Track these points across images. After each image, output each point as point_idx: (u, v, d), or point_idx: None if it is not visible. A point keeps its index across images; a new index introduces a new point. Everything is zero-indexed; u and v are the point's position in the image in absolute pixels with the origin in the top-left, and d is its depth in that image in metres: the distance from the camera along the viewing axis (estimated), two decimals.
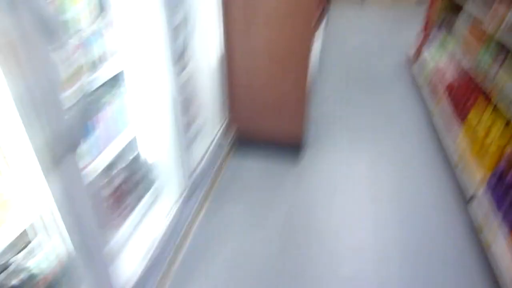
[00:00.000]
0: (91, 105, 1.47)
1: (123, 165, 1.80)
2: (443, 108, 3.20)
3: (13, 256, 1.16)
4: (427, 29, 4.14)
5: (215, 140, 2.68)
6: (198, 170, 2.35)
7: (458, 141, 2.82)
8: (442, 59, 3.64)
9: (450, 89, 3.13)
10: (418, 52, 4.27)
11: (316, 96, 3.75)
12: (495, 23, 2.66)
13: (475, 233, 2.30)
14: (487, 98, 2.66)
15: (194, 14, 2.25)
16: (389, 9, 7.36)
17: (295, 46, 2.49)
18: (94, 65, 1.44)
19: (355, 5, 7.54)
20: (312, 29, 2.43)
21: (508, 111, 2.28)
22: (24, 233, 1.15)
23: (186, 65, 2.21)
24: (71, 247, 1.18)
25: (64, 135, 1.05)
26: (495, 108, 2.53)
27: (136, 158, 1.92)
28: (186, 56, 2.20)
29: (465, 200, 2.53)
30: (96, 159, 1.49)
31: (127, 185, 1.83)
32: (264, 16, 2.42)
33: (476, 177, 2.47)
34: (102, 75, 1.48)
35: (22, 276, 1.16)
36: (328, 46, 5.21)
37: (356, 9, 7.34)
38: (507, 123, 2.38)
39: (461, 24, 3.42)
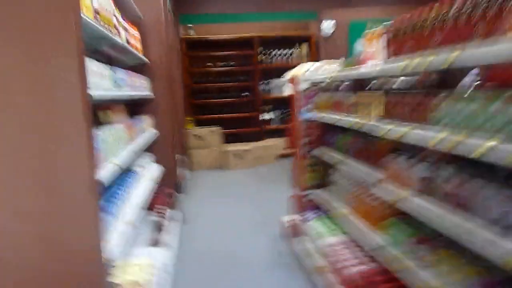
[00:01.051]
0: None
1: None
2: None
3: None
4: (299, 191, 3.33)
5: None
6: None
7: None
8: (331, 236, 2.70)
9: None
10: (296, 223, 3.35)
11: None
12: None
13: None
14: None
15: None
16: (252, 168, 6.80)
17: None
18: None
19: (217, 169, 6.85)
20: None
21: None
22: None
23: None
24: None
25: None
26: None
27: None
28: None
29: None
30: None
31: None
32: None
33: None
34: None
35: None
36: (185, 235, 3.93)
37: (219, 172, 6.62)
38: None
39: (342, 188, 2.61)
